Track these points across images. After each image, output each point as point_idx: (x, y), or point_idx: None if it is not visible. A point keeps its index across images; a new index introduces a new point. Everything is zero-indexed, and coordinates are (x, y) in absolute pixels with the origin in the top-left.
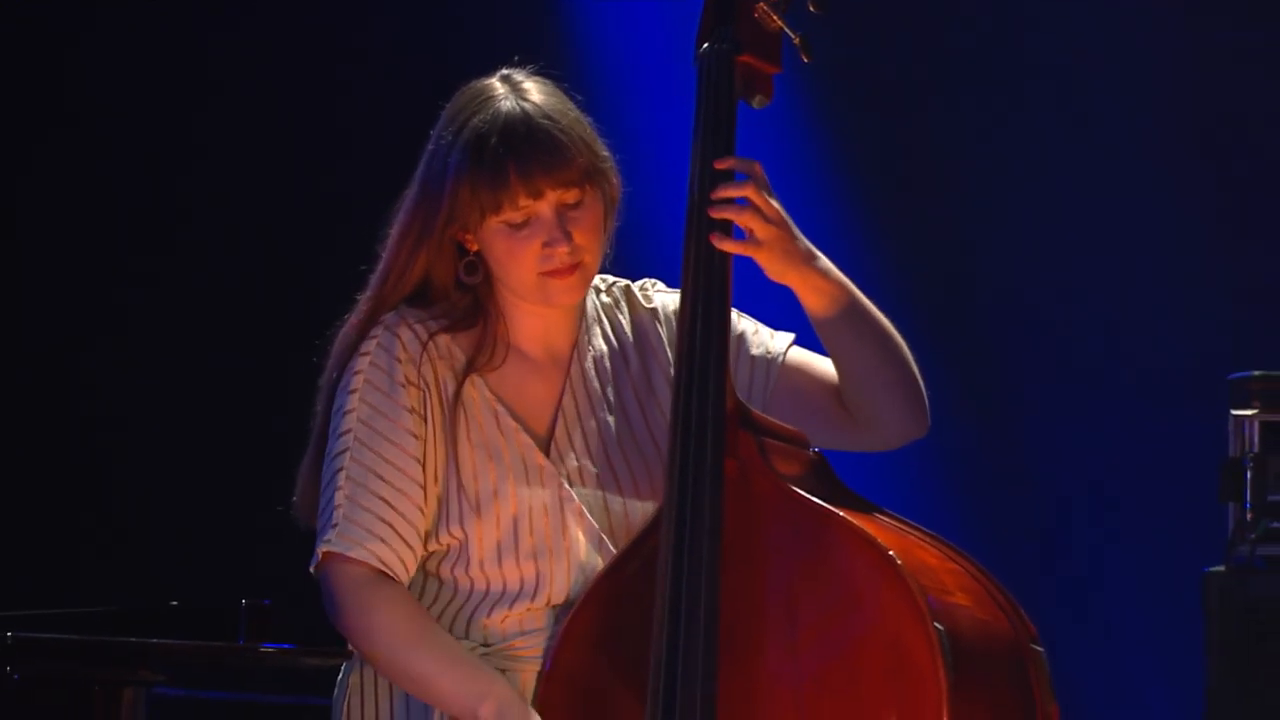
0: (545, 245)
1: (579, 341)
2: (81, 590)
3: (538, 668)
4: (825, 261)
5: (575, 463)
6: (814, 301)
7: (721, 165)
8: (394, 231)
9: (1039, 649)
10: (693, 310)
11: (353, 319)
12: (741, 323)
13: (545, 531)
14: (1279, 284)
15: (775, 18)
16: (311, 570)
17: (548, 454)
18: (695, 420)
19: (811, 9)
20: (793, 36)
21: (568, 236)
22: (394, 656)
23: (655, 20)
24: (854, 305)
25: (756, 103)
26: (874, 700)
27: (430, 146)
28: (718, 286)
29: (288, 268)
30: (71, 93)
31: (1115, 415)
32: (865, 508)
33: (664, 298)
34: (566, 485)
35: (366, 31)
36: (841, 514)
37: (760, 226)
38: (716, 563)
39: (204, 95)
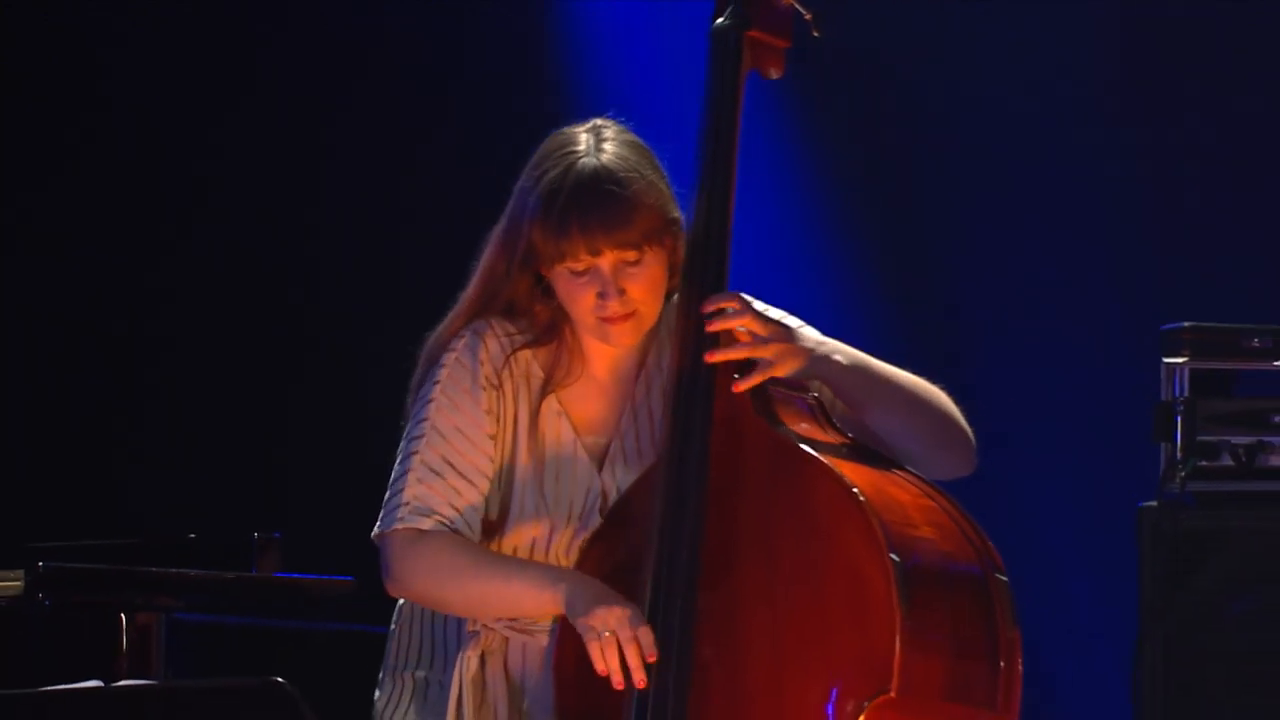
0: (599, 296)
1: (646, 365)
2: (107, 524)
3: (548, 640)
4: (833, 345)
5: (623, 478)
6: (835, 385)
7: (709, 307)
8: (484, 257)
9: (1003, 579)
10: (689, 273)
11: (444, 328)
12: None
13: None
14: (1207, 241)
15: None
16: (372, 537)
17: (600, 470)
18: (692, 367)
19: None
20: (803, 13)
21: (620, 292)
22: (462, 582)
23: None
24: (873, 378)
25: (771, 74)
26: (837, 623)
27: (519, 184)
28: (715, 260)
29: (295, 243)
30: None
31: (1057, 362)
32: (852, 451)
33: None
34: (599, 508)
35: (365, 31)
36: (815, 453)
37: (762, 350)
38: (703, 493)
39: (212, 93)
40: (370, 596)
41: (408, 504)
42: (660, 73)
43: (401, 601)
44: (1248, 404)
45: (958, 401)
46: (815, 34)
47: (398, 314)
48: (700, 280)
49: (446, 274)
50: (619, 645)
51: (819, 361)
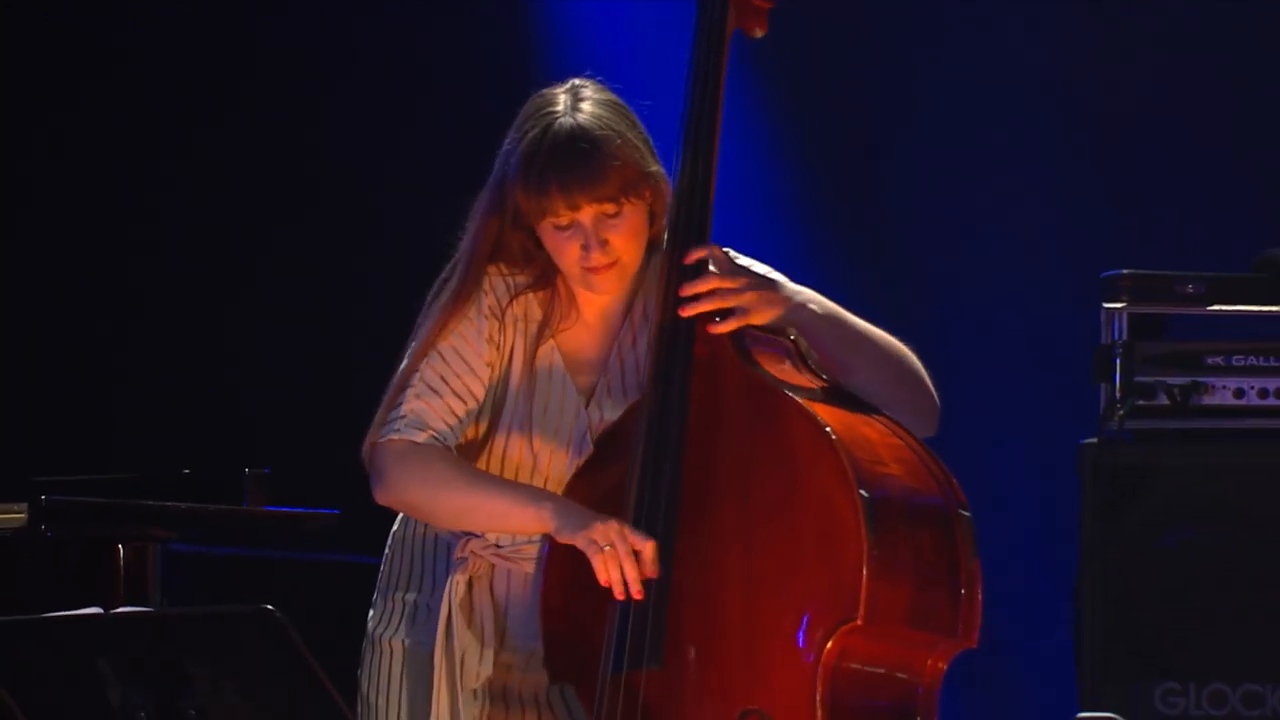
0: (583, 248)
1: (632, 310)
2: (105, 460)
3: (532, 568)
4: (809, 295)
5: (609, 415)
6: (810, 333)
7: (690, 259)
8: (474, 220)
9: (966, 514)
10: (674, 225)
11: (441, 281)
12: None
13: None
14: (1145, 194)
15: None
16: (366, 446)
17: (587, 406)
18: (672, 320)
19: None
20: None
21: (602, 244)
22: (453, 493)
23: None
24: (847, 330)
25: (755, 33)
26: (808, 554)
27: (503, 148)
28: (699, 212)
29: (285, 194)
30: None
31: (1004, 308)
32: (825, 391)
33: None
34: (590, 438)
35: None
36: (790, 394)
37: (735, 300)
38: (682, 431)
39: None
40: (353, 529)
41: (404, 417)
42: (650, 32)
43: (395, 528)
44: (1182, 346)
45: (923, 360)
46: None
47: (383, 263)
48: (684, 233)
49: (427, 225)
50: (620, 559)
51: (794, 310)
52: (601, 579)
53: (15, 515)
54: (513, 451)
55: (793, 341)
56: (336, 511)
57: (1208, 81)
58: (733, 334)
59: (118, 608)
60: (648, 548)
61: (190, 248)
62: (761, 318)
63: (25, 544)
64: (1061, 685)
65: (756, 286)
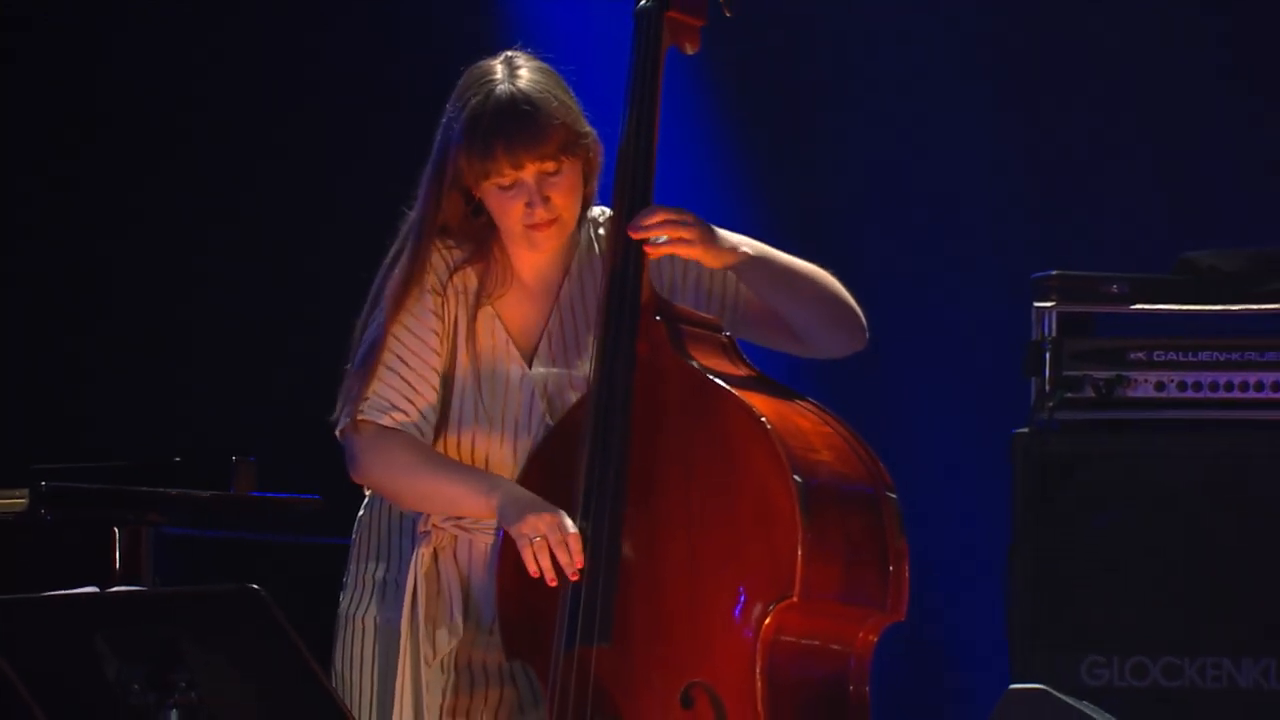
0: (527, 205)
1: (570, 271)
2: (102, 448)
3: (491, 539)
4: (741, 239)
5: (553, 372)
6: (748, 279)
7: (639, 229)
8: (421, 188)
9: (893, 496)
10: (618, 222)
11: (394, 253)
12: None
13: (513, 428)
14: (1073, 200)
15: None
16: (337, 434)
17: (530, 366)
18: (616, 310)
19: None
20: None
21: (545, 200)
22: (413, 479)
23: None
24: (778, 268)
25: (687, 50)
26: (747, 537)
27: (444, 118)
28: (640, 197)
29: (266, 181)
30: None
31: (942, 308)
32: (758, 383)
33: None
34: (538, 395)
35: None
36: (727, 387)
37: (685, 232)
38: (628, 425)
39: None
40: (335, 513)
41: (367, 399)
42: (592, 43)
43: (361, 512)
44: (1108, 343)
45: (867, 352)
46: (728, 14)
47: (371, 254)
48: (624, 242)
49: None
50: (550, 549)
51: (732, 250)
52: (530, 569)
53: (17, 500)
54: (466, 416)
55: (728, 336)
56: (318, 497)
57: (1131, 95)
58: (670, 332)
59: (113, 587)
60: (572, 538)
61: (181, 245)
62: (705, 254)
63: (26, 527)
64: (994, 659)
65: (702, 225)
